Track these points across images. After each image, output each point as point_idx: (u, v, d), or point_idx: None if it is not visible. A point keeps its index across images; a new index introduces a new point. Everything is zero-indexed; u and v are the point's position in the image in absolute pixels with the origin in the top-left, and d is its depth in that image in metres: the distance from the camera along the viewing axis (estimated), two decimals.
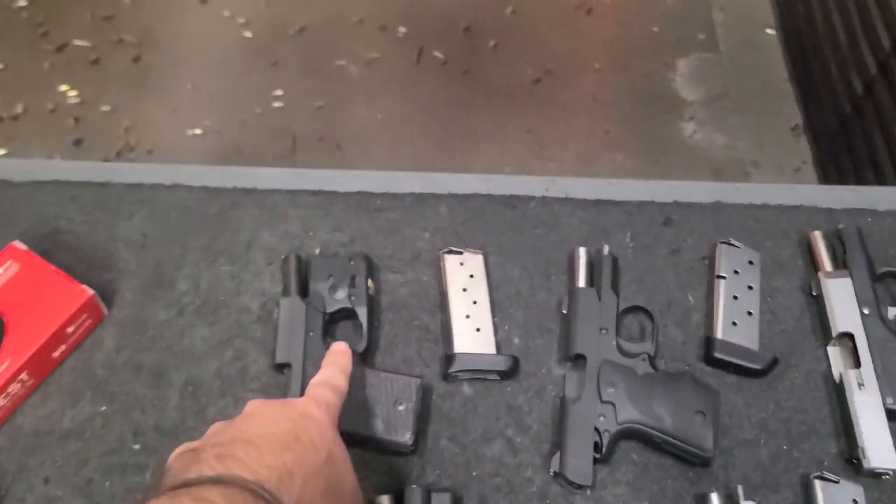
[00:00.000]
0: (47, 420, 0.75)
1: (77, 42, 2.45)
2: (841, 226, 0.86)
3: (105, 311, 0.79)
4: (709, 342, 0.80)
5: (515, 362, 0.78)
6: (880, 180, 2.01)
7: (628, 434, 0.74)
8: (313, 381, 0.66)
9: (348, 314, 0.79)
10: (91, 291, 0.76)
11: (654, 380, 0.75)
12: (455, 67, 2.42)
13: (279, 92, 2.31)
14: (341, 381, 0.67)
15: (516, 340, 0.81)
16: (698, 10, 2.62)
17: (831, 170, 2.26)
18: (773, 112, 2.40)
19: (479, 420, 0.76)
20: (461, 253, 0.83)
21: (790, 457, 0.76)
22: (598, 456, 0.72)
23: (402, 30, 2.48)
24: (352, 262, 0.80)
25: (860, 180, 2.10)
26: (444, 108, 2.35)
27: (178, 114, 2.28)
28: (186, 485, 0.51)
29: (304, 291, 0.79)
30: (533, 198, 0.89)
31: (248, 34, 2.44)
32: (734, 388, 0.79)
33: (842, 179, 2.21)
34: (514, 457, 0.75)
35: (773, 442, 0.76)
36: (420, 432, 0.74)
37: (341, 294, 0.78)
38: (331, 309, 0.77)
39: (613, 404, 0.74)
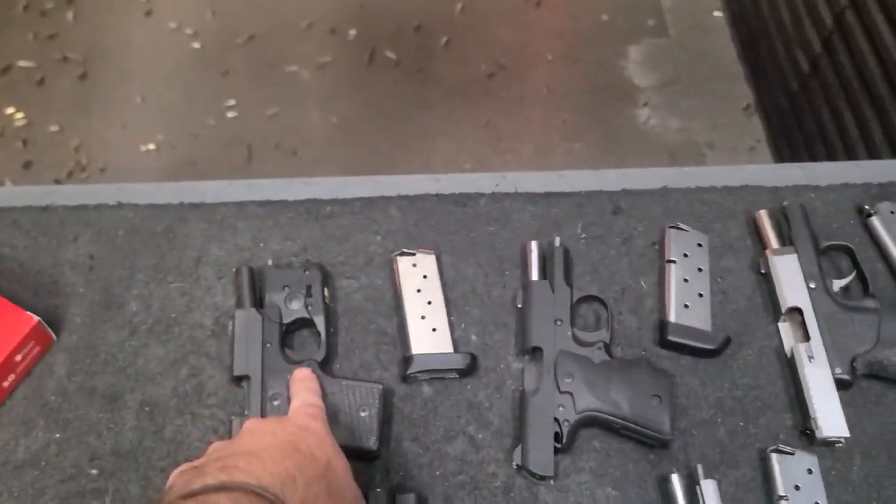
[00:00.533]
0: (1, 451, 0.74)
1: (21, 63, 2.40)
2: (785, 203, 0.87)
3: (53, 336, 0.78)
4: (662, 326, 0.81)
5: (473, 359, 0.78)
6: (830, 155, 2.05)
7: (588, 422, 0.75)
8: (293, 405, 0.68)
9: (305, 324, 0.78)
10: (36, 318, 0.75)
11: (611, 367, 0.76)
12: (408, 67, 2.42)
13: (231, 102, 2.29)
14: (318, 402, 0.69)
15: (474, 337, 0.81)
16: None
17: (784, 147, 2.30)
18: (725, 93, 2.44)
19: (440, 419, 0.77)
20: (413, 254, 0.83)
21: (747, 433, 0.77)
22: (559, 446, 0.73)
23: (353, 32, 2.46)
24: (307, 272, 0.79)
25: (812, 156, 2.14)
26: (400, 107, 2.35)
27: (128, 130, 2.24)
28: (187, 495, 0.52)
29: (258, 303, 0.78)
30: (483, 195, 0.89)
31: (196, 45, 2.41)
32: (690, 369, 0.80)
33: (794, 156, 2.25)
34: (477, 453, 0.75)
35: (729, 420, 0.78)
36: (382, 436, 0.74)
37: (297, 304, 0.78)
38: (287, 319, 0.77)
39: (571, 394, 0.75)
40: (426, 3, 2.55)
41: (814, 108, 2.10)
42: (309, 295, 0.78)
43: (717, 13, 2.60)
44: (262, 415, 0.71)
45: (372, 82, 2.39)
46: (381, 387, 0.73)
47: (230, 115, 2.28)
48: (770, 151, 2.32)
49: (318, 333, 0.77)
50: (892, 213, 0.87)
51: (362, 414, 0.72)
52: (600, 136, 2.32)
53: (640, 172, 0.93)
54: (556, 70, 2.46)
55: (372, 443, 0.71)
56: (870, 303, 0.80)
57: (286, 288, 0.78)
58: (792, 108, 2.23)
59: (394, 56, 2.43)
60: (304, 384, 0.71)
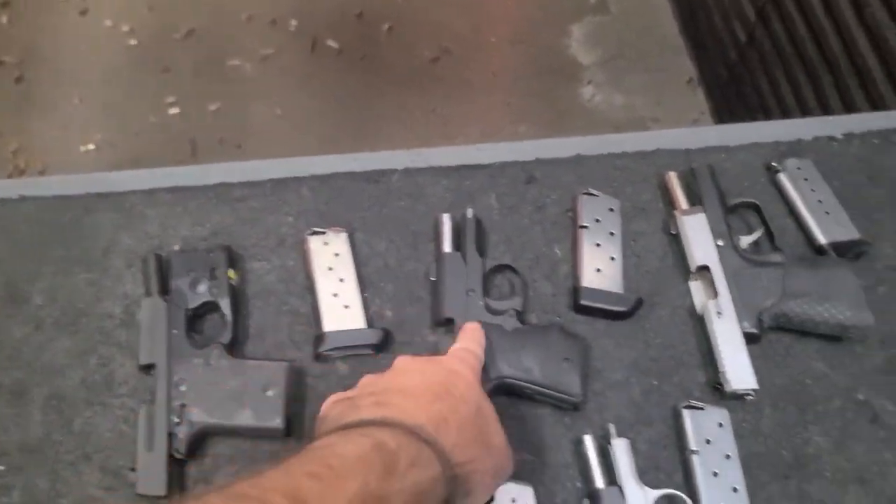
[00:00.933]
0: None
1: None
2: (694, 165, 0.88)
3: None
4: (576, 291, 0.81)
5: (387, 334, 0.78)
6: None
7: (502, 389, 0.75)
8: (453, 348, 0.69)
9: (212, 307, 0.77)
10: None
11: (523, 334, 0.77)
12: (351, 55, 2.41)
13: (173, 98, 2.26)
14: (478, 350, 0.70)
15: (389, 313, 0.81)
16: None
17: (727, 117, 2.32)
18: (668, 67, 2.46)
19: None
20: (324, 233, 0.82)
21: (661, 391, 0.78)
22: None
23: (294, 23, 2.44)
24: (211, 255, 0.79)
25: None
26: (345, 96, 2.33)
27: (68, 131, 2.20)
28: (344, 427, 0.53)
29: (165, 290, 0.77)
30: (395, 171, 0.89)
31: (133, 42, 2.37)
32: (604, 332, 0.81)
33: None
34: None
35: (644, 379, 0.78)
36: (295, 416, 0.74)
37: (202, 288, 0.77)
38: (193, 304, 0.76)
39: (485, 362, 0.75)
40: None
41: (753, 78, 2.12)
42: (213, 278, 0.77)
43: None
44: (168, 403, 0.70)
45: (315, 72, 2.37)
46: (286, 365, 0.73)
47: (172, 111, 2.25)
48: (714, 122, 2.34)
49: (225, 317, 0.76)
50: (799, 168, 0.88)
51: (269, 393, 0.71)
52: (547, 116, 2.33)
53: (554, 142, 0.93)
54: (500, 52, 2.46)
55: (278, 422, 0.70)
56: (776, 257, 0.81)
57: (191, 272, 0.77)
58: (732, 79, 2.25)
59: (336, 45, 2.41)
60: (467, 333, 0.72)
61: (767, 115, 2.06)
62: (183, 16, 2.42)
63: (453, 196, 0.88)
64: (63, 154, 2.15)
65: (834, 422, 0.77)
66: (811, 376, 0.79)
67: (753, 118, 2.14)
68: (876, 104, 1.60)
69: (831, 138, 0.93)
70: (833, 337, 0.80)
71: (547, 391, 0.74)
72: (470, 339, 0.71)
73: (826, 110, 1.79)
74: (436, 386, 0.60)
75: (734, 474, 0.72)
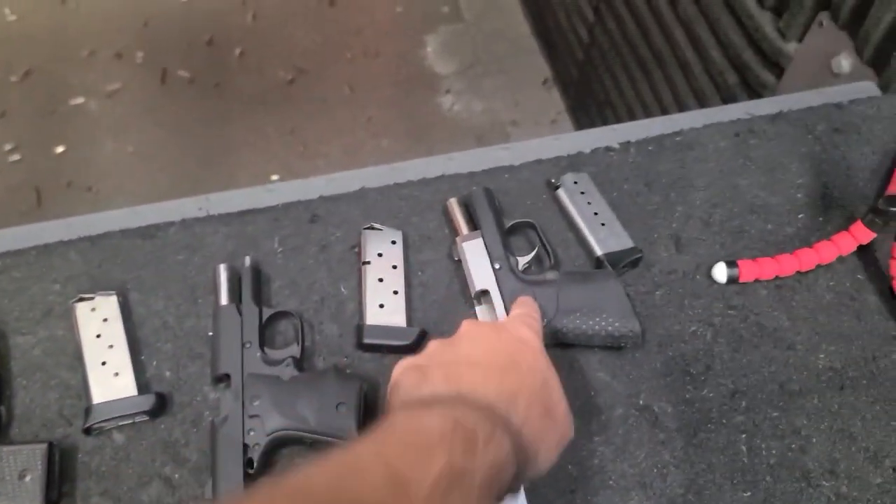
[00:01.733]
0: None
1: None
2: (474, 188, 0.89)
3: None
4: (359, 329, 0.81)
5: (160, 398, 0.75)
6: (619, 120, 2.14)
7: (280, 442, 0.74)
8: (514, 313, 0.71)
9: None
10: None
11: (299, 382, 0.76)
12: (204, 83, 2.35)
13: (12, 145, 2.15)
14: (538, 315, 0.72)
15: (167, 373, 0.79)
16: None
17: (583, 116, 2.39)
18: (524, 70, 2.50)
19: (132, 466, 0.74)
20: (92, 298, 0.79)
21: None
22: (251, 471, 0.72)
23: (140, 54, 2.37)
24: None
25: (605, 122, 2.23)
26: (200, 126, 2.28)
27: None
28: (422, 402, 0.55)
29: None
30: (172, 223, 0.87)
31: None
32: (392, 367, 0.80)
33: (592, 123, 2.34)
34: (173, 494, 0.72)
35: None
36: (65, 496, 0.70)
37: None
38: None
39: (260, 416, 0.73)
40: (215, 15, 2.48)
41: (598, 76, 2.18)
42: None
43: None
44: None
45: (167, 104, 2.30)
46: (45, 446, 0.69)
47: (12, 158, 2.14)
48: (571, 122, 2.40)
49: None
50: (576, 183, 0.91)
51: (26, 479, 0.68)
52: (407, 129, 2.34)
53: (337, 177, 0.92)
54: (356, 67, 2.45)
55: None
56: (550, 275, 0.83)
57: None
58: (582, 78, 2.31)
59: (187, 74, 2.35)
60: (525, 302, 0.74)
61: (614, 112, 2.12)
62: (18, 56, 2.31)
63: (235, 243, 0.86)
64: None
65: (617, 429, 0.79)
66: (594, 387, 0.81)
67: (603, 115, 2.20)
68: (698, 96, 1.67)
69: (609, 149, 0.96)
70: (614, 347, 0.82)
71: (323, 438, 0.73)
72: (528, 305, 0.73)
73: (661, 104, 1.85)
74: (503, 357, 0.61)
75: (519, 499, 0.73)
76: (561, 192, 0.90)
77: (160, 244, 0.85)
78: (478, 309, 0.84)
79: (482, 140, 2.33)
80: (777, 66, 1.38)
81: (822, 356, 0.84)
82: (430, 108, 2.39)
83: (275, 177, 2.16)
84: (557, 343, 0.81)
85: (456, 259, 0.86)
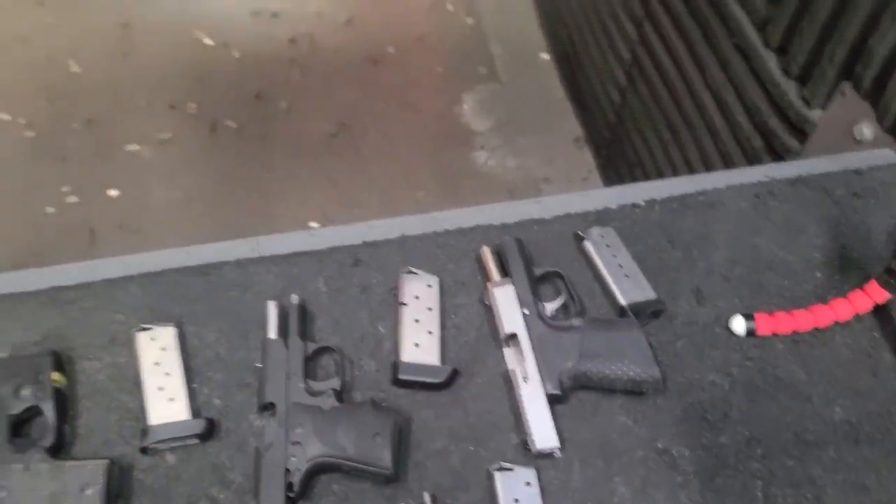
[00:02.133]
0: None
1: None
2: (506, 238, 0.95)
3: None
4: (395, 366, 0.86)
5: (210, 423, 0.81)
6: (648, 178, 2.20)
7: (320, 468, 0.79)
8: None
9: (37, 411, 0.80)
10: None
11: (339, 412, 0.81)
12: (250, 134, 2.47)
13: (69, 187, 2.28)
14: None
15: (217, 401, 0.85)
16: (477, 45, 2.80)
17: (612, 174, 2.45)
18: (557, 129, 2.59)
19: (182, 486, 0.79)
20: (151, 329, 0.86)
21: (478, 456, 0.83)
22: (292, 495, 0.77)
23: (193, 106, 2.50)
24: (35, 360, 0.81)
25: (635, 180, 2.29)
26: (245, 175, 2.39)
27: None
28: None
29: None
30: (226, 263, 0.94)
31: (30, 133, 2.39)
32: (424, 403, 0.86)
33: (623, 181, 2.40)
34: None
35: (462, 446, 0.83)
36: None
37: (26, 392, 0.79)
38: (15, 410, 0.79)
39: (302, 443, 0.79)
40: (264, 71, 2.62)
41: (628, 136, 2.26)
42: (37, 382, 0.80)
43: (543, 55, 2.77)
44: None
45: (215, 153, 2.43)
46: (105, 463, 0.76)
47: (70, 200, 2.26)
48: (602, 180, 2.47)
49: (49, 420, 0.79)
50: (602, 236, 0.96)
51: (87, 493, 0.74)
52: (442, 182, 2.42)
53: (380, 224, 0.99)
54: (395, 122, 2.56)
55: None
56: (576, 321, 0.88)
57: (14, 378, 0.80)
58: (613, 138, 2.39)
59: (235, 125, 2.48)
60: None
61: (644, 171, 2.19)
62: (80, 104, 2.46)
63: (282, 283, 0.93)
64: None
65: (637, 471, 0.83)
66: (616, 430, 0.85)
67: (633, 174, 2.26)
68: (725, 159, 1.72)
69: (635, 205, 1.02)
70: (635, 392, 0.87)
71: (360, 466, 0.78)
72: None
73: (689, 165, 1.91)
74: None
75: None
76: (588, 245, 0.96)
77: (214, 281, 0.92)
78: (506, 351, 0.89)
79: (514, 195, 2.40)
80: (801, 132, 1.44)
81: (837, 409, 0.87)
82: (465, 162, 2.48)
83: (314, 223, 2.25)
84: (581, 386, 0.86)
85: (487, 304, 0.92)
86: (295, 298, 0.89)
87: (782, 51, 1.46)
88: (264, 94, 2.56)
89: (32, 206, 2.24)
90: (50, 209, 2.24)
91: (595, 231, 0.97)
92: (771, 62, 1.47)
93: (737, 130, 1.65)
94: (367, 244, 0.97)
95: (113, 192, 2.29)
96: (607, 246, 0.96)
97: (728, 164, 1.71)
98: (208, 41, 2.64)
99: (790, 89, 1.45)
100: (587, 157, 2.51)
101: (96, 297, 0.90)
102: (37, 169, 2.32)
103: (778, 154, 1.51)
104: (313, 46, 2.72)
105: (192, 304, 0.90)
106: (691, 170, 1.91)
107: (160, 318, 0.88)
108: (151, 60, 2.58)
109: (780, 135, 1.48)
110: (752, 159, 1.62)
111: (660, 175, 2.08)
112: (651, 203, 1.02)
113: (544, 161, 2.50)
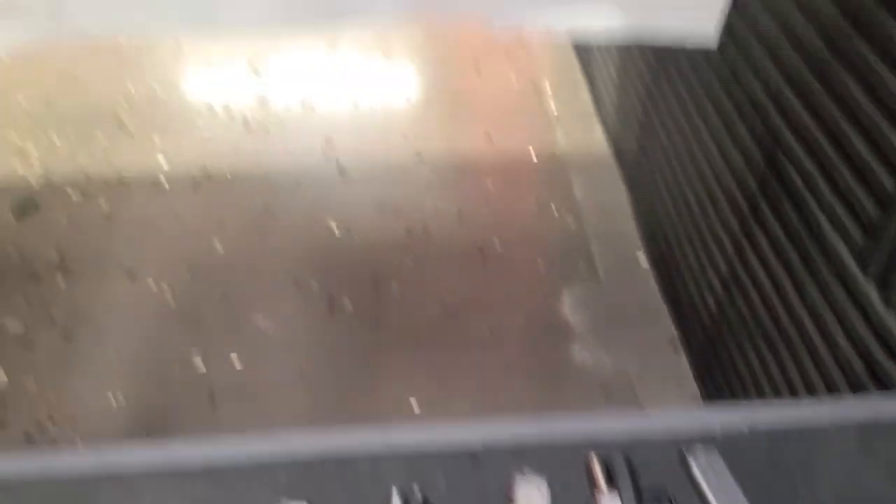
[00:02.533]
0: None
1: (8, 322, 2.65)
2: (613, 452, 1.03)
3: None
4: None
5: None
6: (745, 388, 2.22)
7: None
8: None
9: None
10: None
11: None
12: (363, 315, 2.67)
13: (200, 352, 2.50)
14: None
15: None
16: (577, 243, 2.99)
17: (708, 381, 2.48)
18: (652, 329, 2.67)
19: None
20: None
21: None
22: None
23: (315, 284, 2.75)
24: None
25: (731, 390, 2.31)
26: (357, 353, 2.56)
27: (100, 383, 2.43)
28: None
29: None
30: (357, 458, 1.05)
31: (172, 303, 2.67)
32: None
33: (717, 388, 2.42)
34: None
35: None
36: None
37: None
38: None
39: None
40: (381, 257, 2.87)
41: (724, 343, 2.31)
42: None
43: (640, 254, 2.91)
44: None
45: (331, 330, 2.63)
46: None
47: (197, 364, 2.48)
48: (696, 384, 2.49)
49: None
50: (707, 458, 1.02)
51: None
52: (539, 375, 2.51)
53: (496, 425, 1.09)
54: (498, 314, 2.71)
55: None
56: None
57: None
58: (708, 342, 2.44)
59: (350, 306, 2.69)
60: None
61: (740, 380, 2.21)
62: (218, 281, 2.75)
63: (406, 474, 1.03)
64: (93, 407, 2.35)
65: None
66: None
67: (729, 383, 2.29)
68: (825, 378, 1.75)
69: (740, 431, 1.08)
70: None
71: None
72: None
73: (789, 383, 1.93)
74: None
75: None
76: (693, 466, 1.02)
77: (350, 473, 1.03)
78: None
79: (608, 391, 2.45)
80: None
81: None
82: (562, 357, 2.57)
83: (415, 407, 2.35)
84: None
85: None
86: (416, 489, 0.98)
87: (883, 282, 1.53)
88: (378, 277, 2.79)
89: (163, 367, 2.46)
90: (178, 371, 2.46)
91: (700, 451, 1.03)
92: (872, 293, 1.54)
93: (836, 352, 1.69)
94: (484, 444, 1.06)
95: (237, 360, 2.50)
96: (711, 467, 1.01)
97: (828, 383, 1.73)
98: (336, 229, 2.95)
99: (892, 320, 1.50)
100: (681, 358, 2.56)
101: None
102: (172, 333, 2.58)
103: (880, 381, 1.54)
104: (426, 235, 2.98)
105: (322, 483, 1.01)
106: (790, 385, 1.93)
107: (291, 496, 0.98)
108: (286, 242, 2.90)
109: (883, 363, 1.52)
110: (852, 382, 1.64)
111: (757, 387, 2.10)
112: (756, 432, 1.08)
113: (638, 361, 2.56)
